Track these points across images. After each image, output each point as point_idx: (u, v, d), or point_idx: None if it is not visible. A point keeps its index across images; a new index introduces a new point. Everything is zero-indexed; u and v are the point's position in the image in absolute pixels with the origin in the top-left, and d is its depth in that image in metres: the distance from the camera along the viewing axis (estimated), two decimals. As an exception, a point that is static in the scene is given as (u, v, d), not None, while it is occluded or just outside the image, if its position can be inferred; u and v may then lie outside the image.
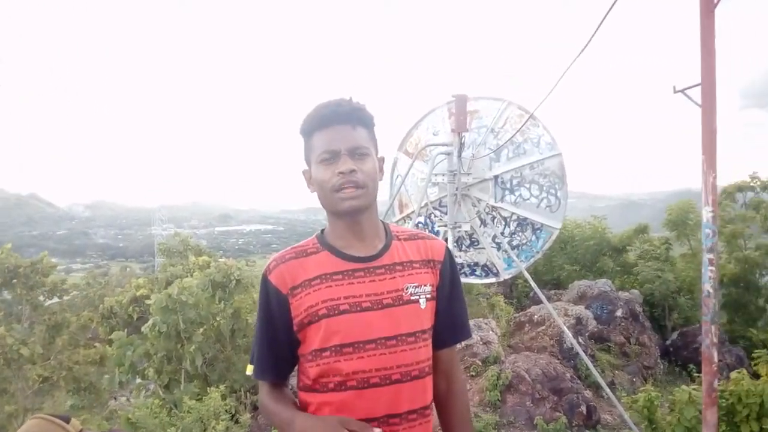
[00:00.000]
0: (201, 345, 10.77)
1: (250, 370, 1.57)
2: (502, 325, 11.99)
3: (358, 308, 1.40)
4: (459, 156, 8.21)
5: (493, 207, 8.70)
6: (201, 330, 11.19)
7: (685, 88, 4.54)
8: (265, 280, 1.48)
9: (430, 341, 1.48)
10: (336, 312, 1.39)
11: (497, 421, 8.18)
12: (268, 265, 1.51)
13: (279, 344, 1.47)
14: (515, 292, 15.68)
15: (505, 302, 14.02)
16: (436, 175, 8.62)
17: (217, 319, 11.88)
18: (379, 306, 1.41)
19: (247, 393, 10.45)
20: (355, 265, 1.45)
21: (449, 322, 1.54)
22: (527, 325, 11.45)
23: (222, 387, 9.17)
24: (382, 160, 1.57)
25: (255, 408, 9.89)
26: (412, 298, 1.44)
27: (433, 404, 1.50)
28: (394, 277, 1.45)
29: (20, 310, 16.00)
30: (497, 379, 8.73)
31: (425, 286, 1.47)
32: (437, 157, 8.38)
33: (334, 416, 1.32)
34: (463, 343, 7.00)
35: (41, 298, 15.72)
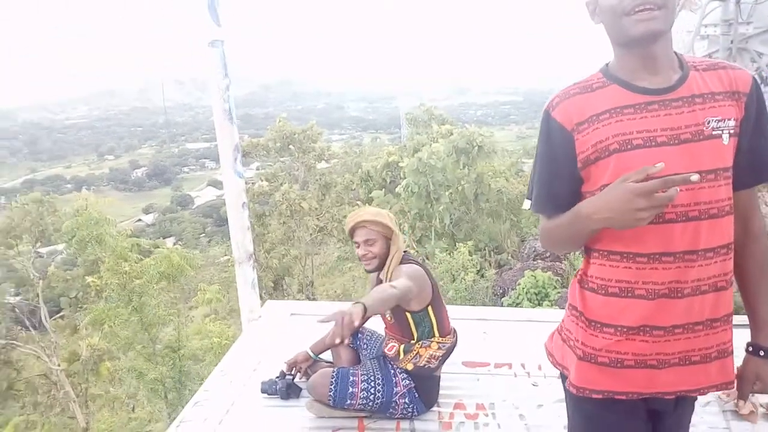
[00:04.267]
0: (448, 206, 11.55)
1: (527, 204, 1.62)
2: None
3: (653, 143, 1.29)
4: (737, 1, 6.96)
5: (780, 61, 7.34)
6: (448, 192, 11.93)
7: None
8: (547, 117, 1.43)
9: (730, 180, 1.35)
10: (629, 146, 1.31)
11: None
12: (550, 101, 1.45)
13: (559, 181, 1.44)
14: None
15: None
16: (706, 26, 7.50)
17: (462, 183, 12.50)
18: (676, 141, 1.29)
19: (491, 252, 11.08)
20: (648, 98, 1.33)
21: (751, 160, 1.39)
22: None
23: (469, 244, 9.84)
24: None
25: (499, 266, 10.49)
26: (713, 132, 1.31)
27: (733, 244, 1.39)
28: (694, 111, 1.31)
29: (297, 173, 18.78)
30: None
31: (729, 120, 1.33)
32: (708, 4, 7.23)
33: (617, 181, 1.26)
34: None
35: (312, 161, 18.19)
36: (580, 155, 1.38)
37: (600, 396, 1.43)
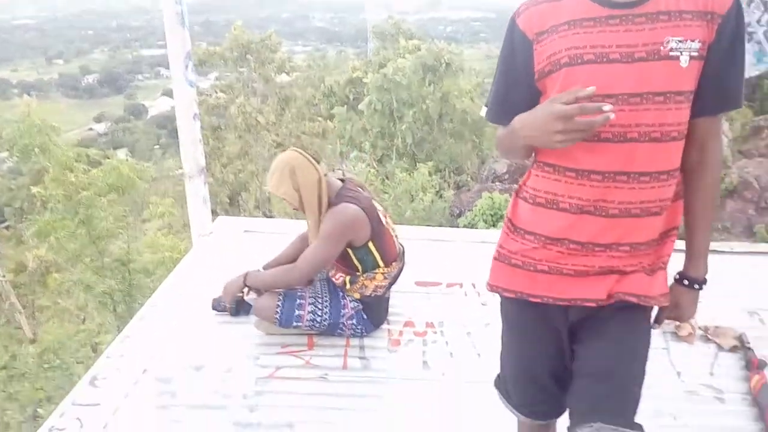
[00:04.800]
0: (411, 125, 11.38)
1: (484, 111, 1.57)
2: (735, 129, 10.66)
3: (605, 59, 1.24)
4: None
5: (753, -14, 7.23)
6: (411, 111, 11.71)
7: None
8: (512, 23, 1.39)
9: (686, 105, 1.28)
10: (579, 61, 1.26)
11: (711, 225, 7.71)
12: (518, 8, 1.40)
13: (516, 91, 1.40)
14: (758, 94, 13.49)
15: (745, 104, 12.25)
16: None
17: (426, 102, 12.27)
18: (630, 59, 1.24)
19: (452, 173, 11.08)
20: (611, 11, 1.25)
21: (717, 87, 1.30)
22: (766, 130, 10.05)
23: (429, 165, 9.78)
24: None
25: (458, 187, 10.55)
26: (671, 53, 1.23)
27: (678, 171, 1.34)
28: (655, 28, 1.24)
29: (255, 85, 18.06)
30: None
31: (693, 41, 1.24)
32: None
33: (547, 101, 1.25)
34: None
35: (272, 74, 17.46)
36: (537, 66, 1.34)
37: (512, 296, 1.47)
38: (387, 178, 10.58)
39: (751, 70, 7.98)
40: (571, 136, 1.20)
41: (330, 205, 2.38)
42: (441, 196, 9.31)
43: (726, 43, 1.28)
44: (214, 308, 2.73)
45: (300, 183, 2.33)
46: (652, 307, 1.45)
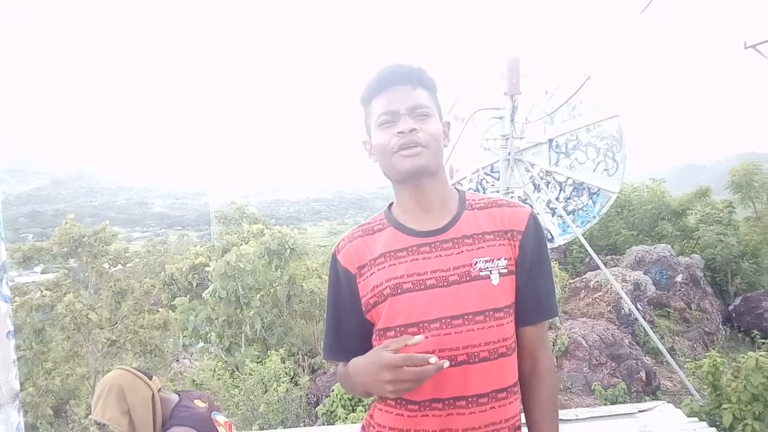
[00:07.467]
0: (259, 310, 11.09)
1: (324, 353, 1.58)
2: (557, 291, 11.83)
3: (422, 286, 1.33)
4: (512, 120, 8.00)
5: (547, 171, 8.50)
6: (259, 296, 11.50)
7: (758, 43, 4.29)
8: (334, 260, 1.46)
9: (507, 320, 1.35)
10: (399, 291, 1.34)
11: (553, 387, 8.11)
12: (337, 244, 1.48)
13: (348, 324, 1.44)
14: (569, 258, 15.39)
15: (560, 268, 13.82)
16: (487, 139, 8.46)
17: (274, 285, 12.19)
18: (445, 283, 1.32)
19: (305, 356, 10.75)
20: (420, 240, 1.37)
21: (531, 299, 1.39)
22: (583, 291, 11.27)
23: (281, 350, 9.43)
24: (447, 125, 1.47)
25: (313, 371, 10.20)
26: (481, 273, 1.33)
27: (517, 386, 1.38)
28: (462, 252, 1.34)
29: (87, 278, 16.77)
30: (553, 345, 8.70)
31: (499, 260, 1.34)
32: (489, 121, 8.22)
33: (377, 347, 1.27)
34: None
35: (105, 265, 16.40)
36: (363, 299, 1.39)
37: None
38: (237, 368, 9.96)
39: (558, 240, 9.10)
40: (401, 386, 1.19)
41: (164, 425, 2.13)
42: (296, 384, 8.90)
43: (531, 256, 1.39)
44: None
45: (131, 403, 2.08)
46: None
